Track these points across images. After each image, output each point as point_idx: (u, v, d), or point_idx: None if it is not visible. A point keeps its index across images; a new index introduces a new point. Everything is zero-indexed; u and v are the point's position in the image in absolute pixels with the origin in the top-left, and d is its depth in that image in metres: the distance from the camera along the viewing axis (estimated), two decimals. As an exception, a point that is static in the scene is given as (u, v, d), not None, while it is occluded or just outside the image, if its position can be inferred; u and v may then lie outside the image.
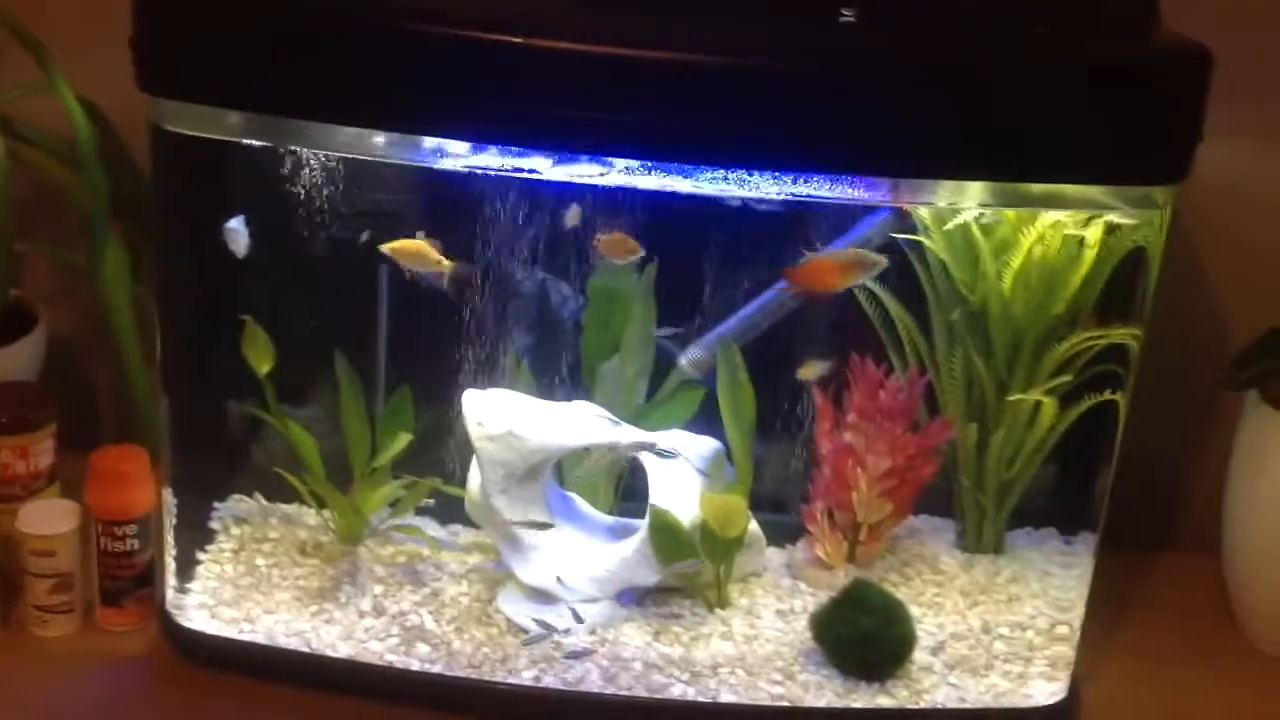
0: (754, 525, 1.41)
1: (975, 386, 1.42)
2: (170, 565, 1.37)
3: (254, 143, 1.24)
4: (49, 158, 1.52)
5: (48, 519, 1.35)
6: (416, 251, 1.31)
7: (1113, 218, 1.28)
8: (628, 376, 1.44)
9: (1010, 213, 1.33)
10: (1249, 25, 1.44)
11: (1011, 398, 1.38)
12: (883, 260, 1.30)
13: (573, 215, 1.35)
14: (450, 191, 1.35)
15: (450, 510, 1.46)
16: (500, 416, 1.37)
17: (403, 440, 1.42)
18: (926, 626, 1.37)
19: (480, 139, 1.17)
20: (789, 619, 1.39)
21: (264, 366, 1.36)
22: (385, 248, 1.30)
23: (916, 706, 1.31)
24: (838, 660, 1.33)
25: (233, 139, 1.22)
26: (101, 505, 1.35)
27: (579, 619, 1.33)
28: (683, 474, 1.38)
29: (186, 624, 1.35)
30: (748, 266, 1.39)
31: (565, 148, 1.17)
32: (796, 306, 1.41)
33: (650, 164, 1.17)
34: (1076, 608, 1.35)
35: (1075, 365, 1.37)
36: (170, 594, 1.37)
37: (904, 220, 1.37)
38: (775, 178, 1.17)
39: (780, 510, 1.47)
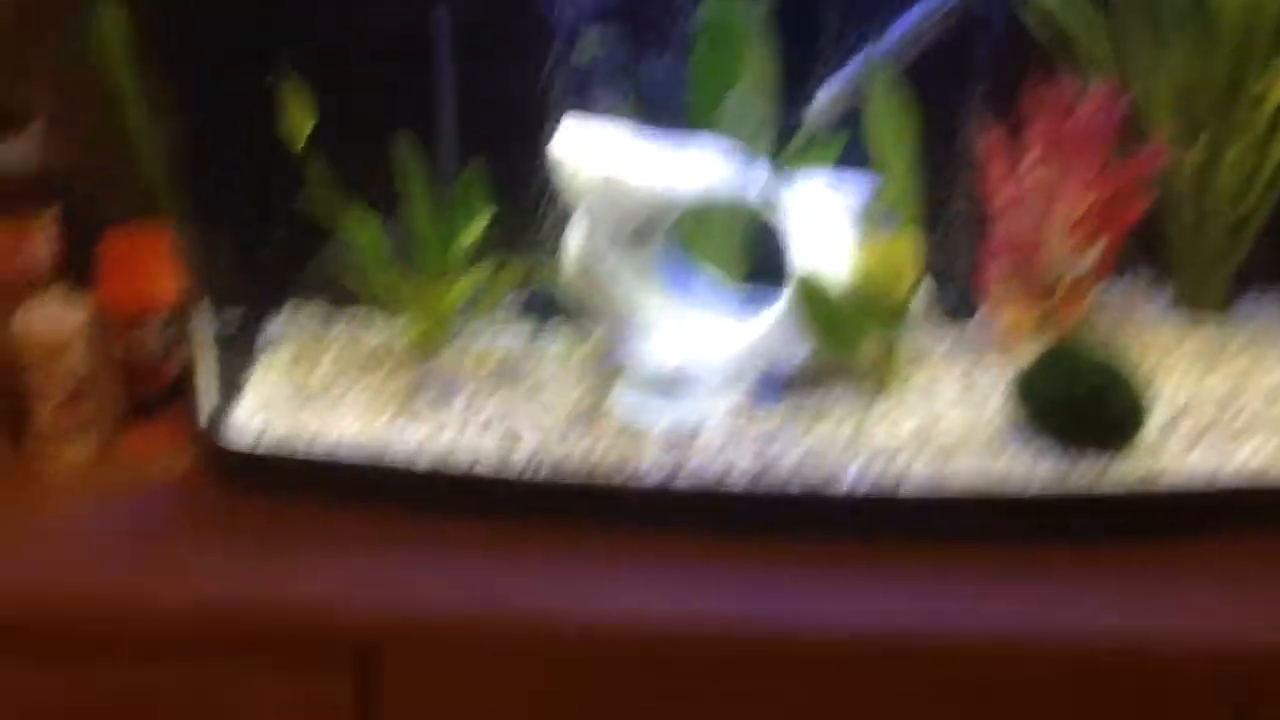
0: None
1: (1191, 97, 1.13)
2: (208, 374, 1.11)
3: None
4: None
5: (48, 317, 1.10)
6: None
7: None
8: (745, 132, 1.16)
9: None
10: None
11: (1254, 88, 1.09)
12: None
13: None
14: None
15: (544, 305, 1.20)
16: (601, 158, 1.09)
17: (482, 218, 1.16)
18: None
19: None
20: (979, 396, 1.11)
21: (303, 128, 1.10)
22: None
23: (1160, 485, 1.03)
24: (1054, 427, 1.05)
25: None
26: (115, 299, 1.10)
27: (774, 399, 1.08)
28: (830, 225, 1.10)
29: (232, 445, 1.09)
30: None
31: None
32: (944, 31, 1.15)
33: None
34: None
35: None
36: (211, 409, 1.11)
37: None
38: None
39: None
